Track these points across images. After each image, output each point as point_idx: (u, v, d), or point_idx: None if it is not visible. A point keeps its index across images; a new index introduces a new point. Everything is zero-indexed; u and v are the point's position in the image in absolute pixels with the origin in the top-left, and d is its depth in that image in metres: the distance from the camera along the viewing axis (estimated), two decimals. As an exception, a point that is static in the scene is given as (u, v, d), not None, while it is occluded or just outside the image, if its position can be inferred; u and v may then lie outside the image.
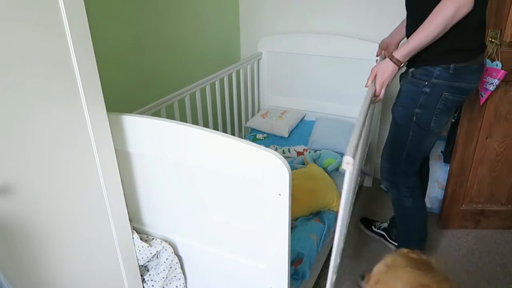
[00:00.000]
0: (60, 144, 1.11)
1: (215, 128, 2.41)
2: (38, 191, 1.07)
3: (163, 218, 1.44)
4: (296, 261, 1.59)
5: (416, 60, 1.53)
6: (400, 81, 1.70)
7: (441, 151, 2.42)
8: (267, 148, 1.11)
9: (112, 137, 1.28)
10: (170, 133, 1.24)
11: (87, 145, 1.20)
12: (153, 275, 1.45)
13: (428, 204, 2.48)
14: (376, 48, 2.35)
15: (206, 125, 2.31)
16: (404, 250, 0.90)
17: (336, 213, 1.94)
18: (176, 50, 2.26)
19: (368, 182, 2.73)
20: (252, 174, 1.15)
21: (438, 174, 2.45)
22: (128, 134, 1.32)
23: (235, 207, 1.26)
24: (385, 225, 2.21)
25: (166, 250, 1.40)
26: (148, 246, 1.37)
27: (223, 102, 2.45)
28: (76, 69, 1.09)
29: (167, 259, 1.41)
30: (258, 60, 2.73)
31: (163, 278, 1.43)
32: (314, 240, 1.67)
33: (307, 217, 1.82)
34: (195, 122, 2.19)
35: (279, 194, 1.13)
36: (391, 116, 1.72)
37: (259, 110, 2.88)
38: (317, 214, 1.88)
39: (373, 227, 2.24)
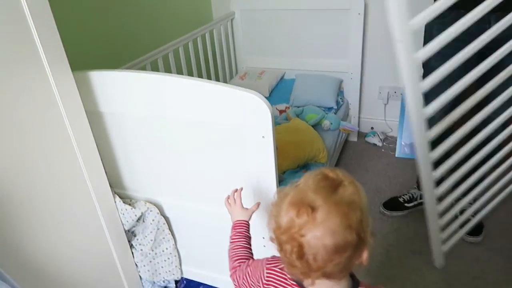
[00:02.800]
0: (25, 109, 1.03)
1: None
2: (6, 163, 1.00)
3: (145, 180, 1.39)
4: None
5: None
6: None
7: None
8: (246, 88, 1.05)
9: (81, 97, 1.20)
10: (141, 84, 1.17)
11: (54, 108, 1.12)
12: (141, 239, 1.40)
13: (413, 152, 2.48)
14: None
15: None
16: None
17: (324, 164, 1.91)
18: (143, 11, 2.14)
19: (353, 137, 2.71)
20: (232, 118, 1.10)
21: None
22: (97, 92, 1.24)
23: (218, 157, 1.20)
24: (416, 191, 2.05)
25: (151, 211, 1.35)
26: (131, 208, 1.32)
27: (199, 64, 2.36)
28: (34, 31, 1.01)
29: (153, 220, 1.36)
30: (232, 19, 2.63)
31: (151, 240, 1.39)
32: None
33: (294, 170, 1.78)
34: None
35: (263, 137, 1.08)
36: None
37: (237, 72, 2.80)
38: (305, 167, 1.85)
39: (405, 203, 2.03)
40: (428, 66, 1.58)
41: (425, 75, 1.68)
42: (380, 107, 2.67)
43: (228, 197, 1.08)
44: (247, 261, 0.93)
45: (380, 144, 2.61)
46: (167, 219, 1.43)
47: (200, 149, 1.22)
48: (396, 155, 2.51)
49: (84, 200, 1.25)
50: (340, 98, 2.50)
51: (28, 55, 1.02)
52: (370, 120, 2.74)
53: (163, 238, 1.42)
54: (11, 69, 0.98)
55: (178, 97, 1.13)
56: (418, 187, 2.04)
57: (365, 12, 2.36)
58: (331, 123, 2.15)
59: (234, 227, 1.02)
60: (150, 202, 1.39)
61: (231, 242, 1.00)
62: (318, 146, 1.85)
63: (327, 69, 2.54)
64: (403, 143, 2.51)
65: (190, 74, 2.29)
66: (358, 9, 2.31)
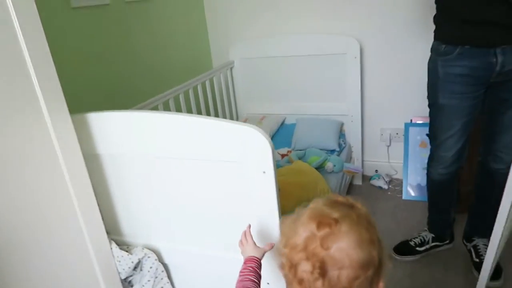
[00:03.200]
0: (21, 152, 1.01)
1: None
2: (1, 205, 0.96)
3: (143, 224, 1.33)
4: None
5: None
6: None
7: (426, 134, 2.38)
8: (245, 123, 1.03)
9: (79, 140, 1.18)
10: (139, 123, 1.15)
11: (51, 153, 1.09)
12: (138, 289, 1.31)
13: (420, 194, 2.41)
14: (348, 41, 2.34)
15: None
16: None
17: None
18: (144, 61, 2.20)
19: (358, 180, 2.65)
20: (232, 154, 1.06)
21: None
22: (95, 134, 1.22)
23: (218, 196, 1.16)
24: (426, 234, 1.95)
25: (149, 257, 1.28)
26: (128, 255, 1.25)
27: (200, 112, 2.37)
28: (33, 75, 1.01)
29: (151, 267, 1.28)
30: (231, 68, 2.68)
31: (149, 290, 1.30)
32: None
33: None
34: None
35: (264, 172, 1.05)
36: None
37: (237, 118, 2.81)
38: (309, 209, 1.78)
39: (417, 247, 1.93)
40: (437, 104, 1.58)
41: (433, 111, 1.68)
42: (383, 149, 2.64)
43: (241, 240, 1.04)
44: None
45: (386, 186, 2.55)
46: (166, 266, 1.36)
47: (200, 189, 1.17)
48: (403, 198, 2.44)
49: (78, 248, 1.18)
50: (342, 141, 2.48)
51: (27, 99, 1.01)
52: (374, 162, 2.70)
53: (162, 287, 1.33)
54: (9, 113, 0.97)
55: (176, 134, 1.11)
56: (430, 229, 1.96)
57: (361, 55, 2.41)
58: (334, 165, 2.11)
59: (245, 261, 0.98)
60: (148, 248, 1.32)
61: (240, 275, 0.93)
62: (322, 187, 1.80)
63: (328, 112, 2.55)
64: (409, 185, 2.46)
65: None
66: (354, 53, 2.36)
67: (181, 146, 1.12)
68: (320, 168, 2.11)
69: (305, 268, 0.62)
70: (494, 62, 1.39)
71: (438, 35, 1.51)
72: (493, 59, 1.39)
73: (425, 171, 2.40)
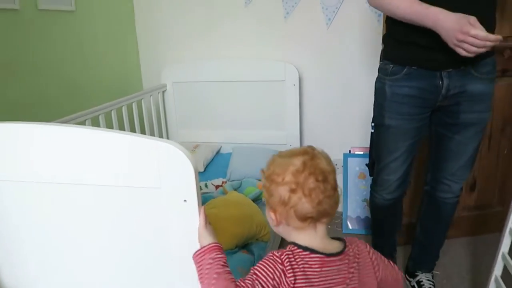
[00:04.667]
0: None
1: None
2: None
3: (29, 272, 1.04)
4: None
5: None
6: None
7: (366, 164, 2.31)
8: (161, 138, 0.83)
9: None
10: (26, 138, 0.90)
11: None
12: None
13: (360, 226, 2.31)
14: (286, 68, 2.26)
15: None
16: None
17: (267, 243, 1.66)
18: (62, 74, 1.94)
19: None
20: (142, 179, 0.85)
21: (365, 193, 2.34)
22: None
23: (128, 233, 0.92)
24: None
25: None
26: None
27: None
28: None
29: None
30: (163, 92, 2.47)
31: None
32: (242, 275, 1.35)
33: (232, 251, 1.51)
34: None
35: (185, 201, 0.84)
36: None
37: (168, 147, 2.57)
38: (245, 247, 1.58)
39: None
40: (384, 125, 1.52)
41: (378, 133, 1.60)
42: (323, 180, 2.54)
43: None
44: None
45: (325, 220, 2.42)
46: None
47: (101, 226, 0.93)
48: (343, 231, 2.32)
49: None
50: (281, 171, 2.34)
51: None
52: (313, 194, 2.58)
53: None
54: None
55: (68, 152, 0.87)
56: None
57: (300, 83, 2.33)
58: (273, 197, 1.94)
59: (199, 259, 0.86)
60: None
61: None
62: (260, 221, 1.61)
63: (266, 141, 2.41)
64: (349, 217, 2.35)
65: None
66: (293, 80, 2.28)
67: (77, 167, 0.88)
68: (257, 200, 1.93)
69: (308, 184, 0.82)
70: (440, 85, 1.36)
71: (386, 55, 1.48)
72: (439, 81, 1.36)
73: (364, 204, 2.33)
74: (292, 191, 0.82)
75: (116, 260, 0.96)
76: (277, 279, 0.78)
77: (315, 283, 0.80)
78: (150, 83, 2.58)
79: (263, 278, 0.79)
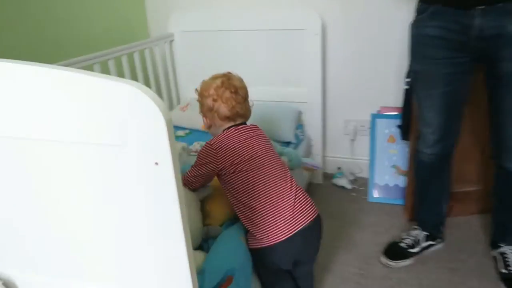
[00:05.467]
0: None
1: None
2: None
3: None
4: (224, 282, 1.07)
5: None
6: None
7: (398, 126, 2.04)
8: (121, 78, 0.60)
9: None
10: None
11: None
12: None
13: (388, 195, 2.07)
14: (307, 15, 1.96)
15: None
16: None
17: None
18: (58, 13, 1.73)
19: (318, 178, 2.28)
20: (103, 133, 0.63)
21: (395, 158, 2.08)
22: None
23: (91, 200, 0.72)
24: (418, 233, 1.65)
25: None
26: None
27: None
28: None
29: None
30: (171, 42, 2.23)
31: None
32: (245, 243, 1.16)
33: (233, 222, 1.31)
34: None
35: (156, 164, 0.62)
36: None
37: (179, 102, 2.36)
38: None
39: (410, 249, 1.62)
40: (411, 71, 1.44)
41: (412, 82, 1.47)
42: (347, 143, 2.29)
43: None
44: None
45: (349, 186, 2.19)
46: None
47: (64, 189, 0.73)
48: (368, 200, 2.09)
49: None
50: (300, 132, 2.09)
51: None
52: (337, 159, 2.33)
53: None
54: None
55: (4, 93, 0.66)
56: (421, 226, 1.67)
57: (324, 33, 2.04)
58: (290, 160, 1.71)
59: None
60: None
61: None
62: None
63: (284, 98, 2.16)
64: (375, 185, 2.11)
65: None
66: (314, 29, 1.98)
67: (20, 115, 0.67)
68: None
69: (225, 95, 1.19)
70: (471, 25, 1.19)
71: None
72: (470, 21, 1.19)
73: (394, 170, 2.08)
74: (214, 100, 1.20)
75: (81, 240, 0.76)
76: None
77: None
78: (157, 32, 2.34)
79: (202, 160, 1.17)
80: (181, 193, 0.64)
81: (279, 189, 1.14)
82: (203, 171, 1.15)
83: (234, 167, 1.13)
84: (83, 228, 0.75)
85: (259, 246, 1.12)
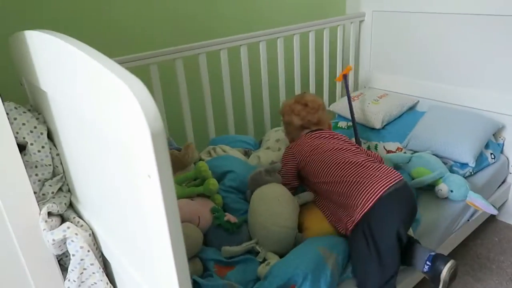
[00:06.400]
0: None
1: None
2: None
3: (83, 190, 0.98)
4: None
5: None
6: None
7: None
8: (130, 74, 0.52)
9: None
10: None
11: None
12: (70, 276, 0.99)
13: None
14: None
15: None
16: None
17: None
18: None
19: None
20: (114, 132, 0.58)
21: None
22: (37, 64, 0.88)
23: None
24: None
25: (72, 241, 0.92)
26: (48, 231, 0.92)
27: (305, 72, 1.85)
28: None
29: (73, 255, 0.93)
30: (360, 22, 2.01)
31: (74, 281, 0.97)
32: (323, 255, 1.02)
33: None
34: (257, 90, 1.76)
35: (149, 176, 0.54)
36: None
37: (357, 89, 2.14)
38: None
39: None
40: None
41: None
42: None
43: None
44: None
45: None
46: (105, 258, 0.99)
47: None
48: None
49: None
50: (491, 155, 1.60)
51: None
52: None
53: (95, 283, 0.98)
54: None
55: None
56: None
57: None
58: (451, 190, 1.34)
59: None
60: (87, 225, 0.97)
61: None
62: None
63: (479, 106, 1.69)
64: None
65: (290, 80, 1.84)
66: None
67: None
68: (427, 188, 1.38)
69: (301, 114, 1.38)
70: None
71: None
72: None
73: None
74: (289, 114, 1.40)
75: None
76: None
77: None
78: (352, 10, 2.14)
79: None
80: (173, 208, 0.54)
81: (357, 161, 1.16)
82: (286, 169, 1.29)
83: (307, 158, 1.24)
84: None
85: (360, 216, 1.05)
